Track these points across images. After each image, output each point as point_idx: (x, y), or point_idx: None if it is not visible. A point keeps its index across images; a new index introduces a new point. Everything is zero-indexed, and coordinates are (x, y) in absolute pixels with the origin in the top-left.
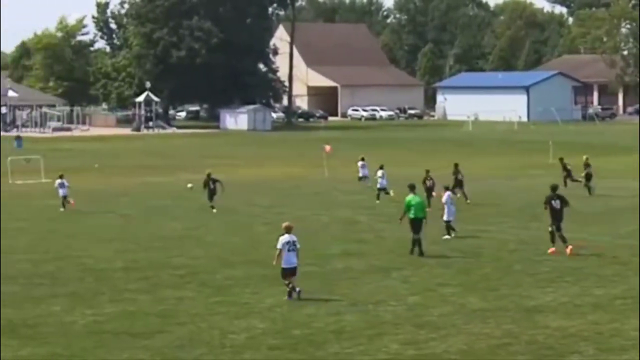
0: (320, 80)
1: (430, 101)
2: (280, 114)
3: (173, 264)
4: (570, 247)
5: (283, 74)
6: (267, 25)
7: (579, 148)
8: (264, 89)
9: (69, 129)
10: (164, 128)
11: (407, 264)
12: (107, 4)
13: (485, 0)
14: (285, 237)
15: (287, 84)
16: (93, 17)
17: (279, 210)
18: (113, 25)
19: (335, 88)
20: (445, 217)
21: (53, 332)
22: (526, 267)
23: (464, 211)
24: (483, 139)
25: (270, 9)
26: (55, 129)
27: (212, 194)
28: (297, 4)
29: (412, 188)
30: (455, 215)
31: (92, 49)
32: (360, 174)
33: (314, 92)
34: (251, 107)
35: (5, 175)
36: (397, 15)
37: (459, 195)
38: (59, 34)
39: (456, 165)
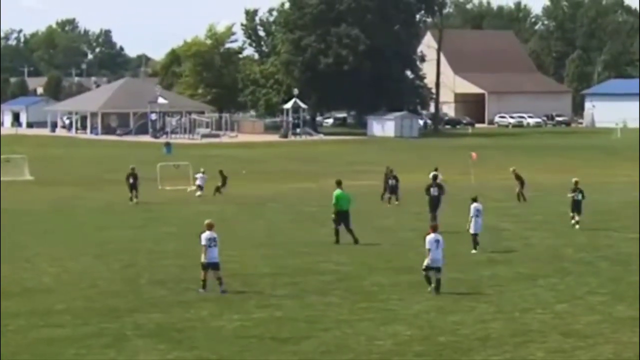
0: (467, 87)
1: (578, 108)
2: (427, 121)
3: (320, 269)
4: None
5: (430, 80)
6: (414, 32)
7: None
8: (411, 96)
9: (217, 136)
10: (311, 135)
11: (554, 271)
12: (255, 12)
13: (635, 7)
14: (207, 234)
15: (434, 90)
16: (242, 24)
17: (427, 217)
18: (262, 33)
19: (482, 95)
20: (471, 230)
21: (201, 337)
22: None
23: (608, 221)
24: (632, 147)
25: (417, 16)
26: (204, 136)
27: (132, 187)
28: (445, 11)
29: (339, 184)
30: (481, 228)
31: (240, 56)
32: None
33: (461, 99)
34: (398, 114)
35: (154, 181)
36: (545, 22)
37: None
38: (208, 42)
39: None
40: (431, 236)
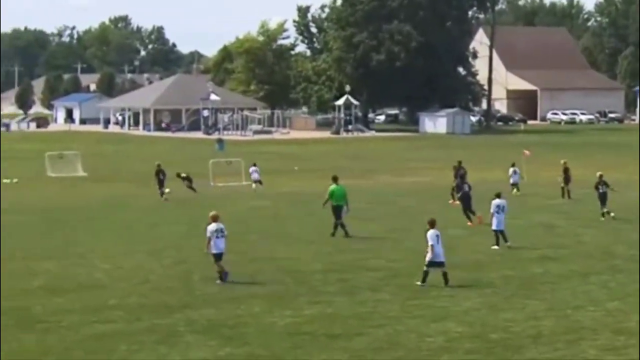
0: (520, 84)
1: (631, 105)
2: (480, 118)
3: (371, 266)
4: (480, 216)
5: (482, 77)
6: (466, 28)
7: None
8: (463, 93)
9: (269, 132)
10: (362, 131)
11: (606, 269)
12: (308, 8)
13: None
14: (212, 226)
15: (486, 87)
16: (294, 21)
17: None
18: (314, 29)
19: (534, 91)
20: (493, 226)
21: (252, 333)
22: None
23: None
24: None
25: (469, 13)
26: (256, 132)
27: (161, 184)
28: (497, 7)
29: (335, 179)
30: (503, 225)
31: (292, 52)
32: (511, 181)
33: (513, 96)
34: (450, 110)
35: (207, 177)
36: (598, 19)
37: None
38: (261, 38)
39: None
40: (431, 231)
